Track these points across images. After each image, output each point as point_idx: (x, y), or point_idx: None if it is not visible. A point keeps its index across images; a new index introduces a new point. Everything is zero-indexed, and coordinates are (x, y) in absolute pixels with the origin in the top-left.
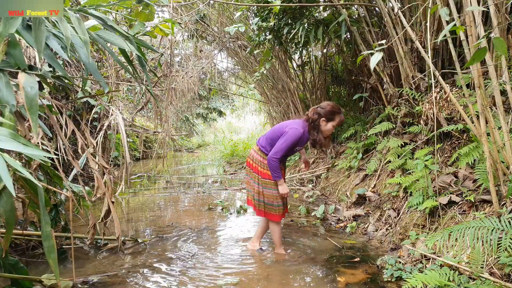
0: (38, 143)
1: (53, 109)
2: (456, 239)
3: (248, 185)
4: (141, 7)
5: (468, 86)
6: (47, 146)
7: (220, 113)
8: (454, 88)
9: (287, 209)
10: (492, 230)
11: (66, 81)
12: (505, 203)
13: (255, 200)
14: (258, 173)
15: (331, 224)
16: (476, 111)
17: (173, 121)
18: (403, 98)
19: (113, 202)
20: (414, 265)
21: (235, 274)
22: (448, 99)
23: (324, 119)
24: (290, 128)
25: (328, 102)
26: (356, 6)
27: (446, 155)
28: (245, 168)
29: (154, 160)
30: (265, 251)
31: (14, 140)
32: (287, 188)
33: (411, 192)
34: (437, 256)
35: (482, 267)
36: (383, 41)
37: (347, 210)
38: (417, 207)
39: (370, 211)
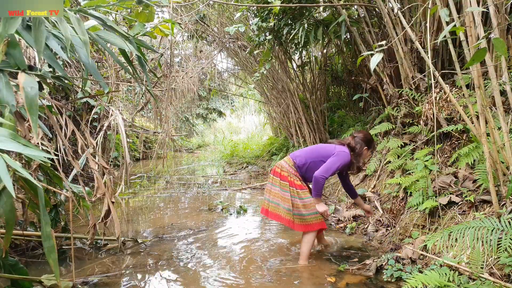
0: (38, 143)
1: (53, 110)
2: (456, 239)
3: (274, 196)
4: (141, 8)
5: (468, 86)
6: (47, 147)
7: (220, 114)
8: (454, 88)
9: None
10: (492, 231)
11: (66, 81)
12: (505, 203)
13: (295, 216)
14: (295, 186)
15: (331, 224)
16: (476, 112)
17: (173, 121)
18: (403, 98)
19: (113, 203)
20: (414, 265)
21: (234, 274)
22: (448, 99)
23: (366, 147)
24: (340, 150)
25: (361, 131)
26: (356, 6)
27: (446, 156)
28: (269, 177)
29: (154, 161)
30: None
31: (14, 140)
32: (325, 206)
33: (411, 192)
34: (437, 256)
35: (482, 268)
36: (383, 42)
37: (347, 210)
38: (417, 208)
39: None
